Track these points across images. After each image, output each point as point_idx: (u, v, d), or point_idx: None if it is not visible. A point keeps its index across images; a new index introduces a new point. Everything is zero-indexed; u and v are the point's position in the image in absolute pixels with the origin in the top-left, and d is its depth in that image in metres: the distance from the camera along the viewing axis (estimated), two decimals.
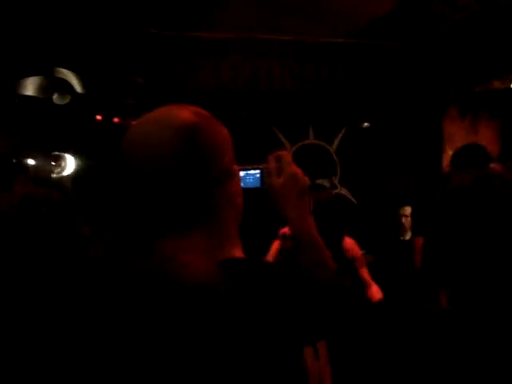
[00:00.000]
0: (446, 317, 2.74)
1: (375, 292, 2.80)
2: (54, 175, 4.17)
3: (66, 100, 4.25)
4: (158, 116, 0.83)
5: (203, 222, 0.80)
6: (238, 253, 0.84)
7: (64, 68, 4.32)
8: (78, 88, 4.45)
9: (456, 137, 4.65)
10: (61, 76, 4.37)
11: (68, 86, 4.37)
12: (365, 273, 2.84)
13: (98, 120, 4.56)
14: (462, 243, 2.73)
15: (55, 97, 4.19)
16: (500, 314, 2.46)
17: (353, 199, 4.71)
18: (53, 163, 4.10)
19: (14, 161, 4.25)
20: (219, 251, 0.80)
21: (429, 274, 2.90)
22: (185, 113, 0.82)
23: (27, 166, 4.30)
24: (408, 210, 3.59)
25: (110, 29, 4.29)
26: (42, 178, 4.15)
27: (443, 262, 2.79)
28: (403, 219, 3.90)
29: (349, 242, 2.83)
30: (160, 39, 4.34)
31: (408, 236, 4.11)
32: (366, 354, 2.57)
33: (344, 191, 4.70)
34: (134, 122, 0.84)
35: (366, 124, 4.76)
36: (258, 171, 1.24)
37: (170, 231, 0.79)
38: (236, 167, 0.87)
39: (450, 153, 4.70)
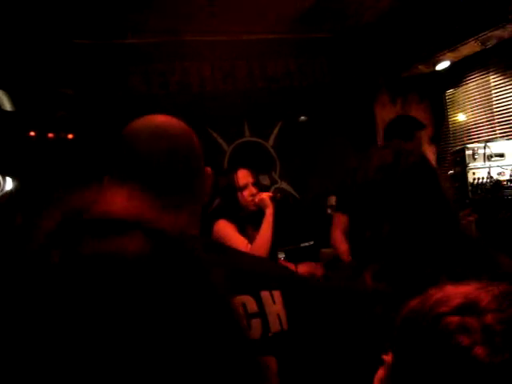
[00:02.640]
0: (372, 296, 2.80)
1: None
2: None
3: None
4: (163, 121, 1.07)
5: (187, 205, 1.01)
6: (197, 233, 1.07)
7: None
8: (7, 105, 4.37)
9: (389, 121, 4.76)
10: None
11: None
12: None
13: (32, 136, 4.49)
14: (386, 220, 2.78)
15: None
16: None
17: (294, 193, 4.78)
18: None
19: None
20: (190, 229, 0.95)
21: (356, 253, 2.96)
22: (181, 122, 1.08)
23: None
24: (333, 199, 3.64)
25: (34, 42, 4.22)
26: None
27: (366, 241, 2.84)
28: (329, 210, 3.97)
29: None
30: (86, 49, 4.30)
31: None
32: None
33: (285, 185, 4.76)
34: (128, 125, 1.06)
35: (302, 118, 4.82)
36: None
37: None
38: (209, 170, 1.10)
39: None
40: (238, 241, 2.62)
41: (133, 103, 4.36)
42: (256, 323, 0.92)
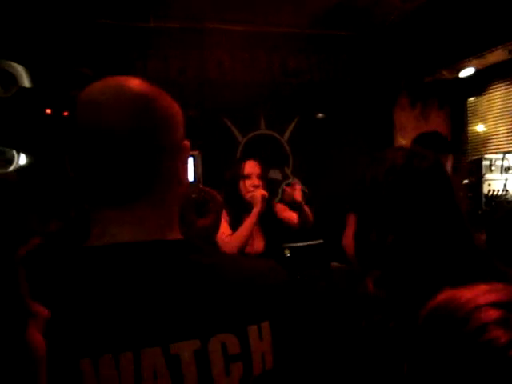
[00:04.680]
0: (371, 302, 2.75)
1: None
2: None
3: (11, 92, 4.16)
4: (113, 84, 0.80)
5: (150, 194, 0.78)
6: (176, 233, 0.83)
7: (10, 60, 4.24)
8: (25, 81, 4.37)
9: (407, 125, 4.69)
10: (6, 68, 4.27)
11: (14, 79, 4.29)
12: None
13: (48, 114, 4.49)
14: (392, 226, 2.74)
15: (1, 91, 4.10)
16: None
17: (306, 189, 4.73)
18: None
19: None
20: (163, 229, 0.79)
21: (360, 256, 2.92)
22: (140, 82, 0.81)
23: None
24: None
25: (56, 20, 4.22)
26: None
27: (372, 245, 2.80)
28: None
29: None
30: (108, 29, 4.28)
31: None
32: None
33: (296, 181, 4.72)
34: (86, 88, 0.81)
35: (320, 115, 4.76)
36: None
37: (115, 201, 0.77)
38: (187, 144, 0.86)
39: (402, 141, 4.76)
40: (220, 229, 2.63)
41: None
42: (236, 368, 0.73)
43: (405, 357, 0.71)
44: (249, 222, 2.61)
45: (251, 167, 2.78)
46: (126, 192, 0.77)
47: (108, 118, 0.76)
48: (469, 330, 0.61)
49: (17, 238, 3.43)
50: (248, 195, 2.72)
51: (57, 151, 4.30)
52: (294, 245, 4.07)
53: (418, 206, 2.45)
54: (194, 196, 1.89)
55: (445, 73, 4.30)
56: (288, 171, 4.69)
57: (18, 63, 4.28)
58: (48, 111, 4.48)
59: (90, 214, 0.79)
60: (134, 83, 0.80)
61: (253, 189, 2.73)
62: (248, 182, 2.74)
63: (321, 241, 4.37)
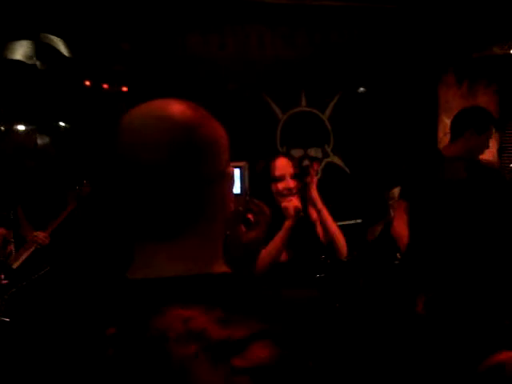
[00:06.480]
0: (420, 323, 2.68)
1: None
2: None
3: (48, 65, 4.18)
4: (155, 108, 0.76)
5: (195, 225, 0.76)
6: (222, 264, 0.80)
7: (50, 33, 4.23)
8: (64, 51, 4.37)
9: (452, 104, 4.53)
10: (47, 41, 4.28)
11: (55, 52, 4.29)
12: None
13: (87, 86, 4.50)
14: (450, 246, 2.65)
15: (38, 63, 4.11)
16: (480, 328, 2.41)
17: (345, 168, 4.64)
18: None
19: (2, 129, 4.24)
20: (209, 261, 0.77)
21: (410, 275, 2.83)
22: (182, 108, 0.76)
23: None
24: (396, 192, 3.47)
25: None
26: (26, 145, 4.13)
27: (426, 264, 2.71)
28: (391, 202, 3.82)
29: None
30: (146, 4, 4.21)
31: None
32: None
33: (337, 160, 4.63)
34: (128, 115, 0.77)
35: (361, 89, 4.64)
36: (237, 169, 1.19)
37: (159, 235, 0.75)
38: (232, 170, 0.82)
39: (447, 121, 4.61)
40: None
41: (189, 63, 4.28)
42: None
43: None
44: (280, 236, 2.33)
45: (283, 167, 2.43)
46: (169, 226, 0.75)
47: (148, 150, 0.72)
48: None
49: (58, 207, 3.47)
50: (282, 204, 2.39)
51: (91, 120, 4.35)
52: None
53: (481, 224, 2.31)
54: (240, 209, 1.77)
55: (496, 49, 4.12)
56: (328, 149, 4.61)
57: (58, 37, 4.28)
58: (87, 83, 4.48)
59: (134, 242, 0.77)
60: (177, 110, 0.76)
61: (287, 192, 2.40)
62: (281, 185, 2.40)
63: (359, 220, 4.30)
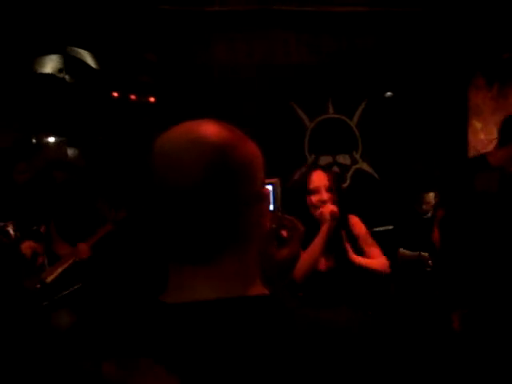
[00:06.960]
0: (456, 340, 2.62)
1: (376, 264, 2.56)
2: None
3: (77, 78, 4.24)
4: (188, 131, 0.76)
5: (232, 247, 0.75)
6: (259, 286, 0.78)
7: (77, 47, 4.29)
8: (91, 63, 4.43)
9: (483, 107, 4.46)
10: (74, 55, 4.34)
11: (82, 65, 4.35)
12: (372, 250, 2.59)
13: (115, 97, 4.54)
14: (485, 262, 2.60)
15: (67, 77, 4.17)
16: None
17: (375, 174, 4.59)
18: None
19: (34, 141, 4.30)
20: (246, 283, 0.76)
21: (444, 292, 2.78)
22: (216, 129, 0.75)
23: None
24: (431, 196, 3.41)
25: (121, 6, 4.22)
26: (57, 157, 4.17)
27: (462, 281, 2.66)
28: (424, 206, 3.76)
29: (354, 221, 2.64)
30: (171, 15, 4.24)
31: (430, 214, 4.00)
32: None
33: (365, 166, 4.58)
34: (160, 138, 0.77)
35: (388, 93, 4.59)
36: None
37: (196, 259, 0.74)
38: (267, 191, 0.81)
39: (478, 125, 4.53)
40: None
41: (215, 72, 4.29)
42: None
43: None
44: (317, 242, 2.32)
45: (319, 179, 2.45)
46: (206, 249, 0.74)
47: (184, 174, 0.72)
48: None
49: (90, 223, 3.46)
50: (317, 213, 2.41)
51: (119, 131, 4.38)
52: None
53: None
54: (273, 226, 1.72)
55: None
56: (357, 156, 4.56)
57: (85, 50, 4.34)
58: (115, 94, 4.53)
59: (169, 266, 0.77)
60: (211, 131, 0.74)
61: (320, 204, 2.41)
62: (315, 198, 2.42)
63: (390, 227, 4.23)
